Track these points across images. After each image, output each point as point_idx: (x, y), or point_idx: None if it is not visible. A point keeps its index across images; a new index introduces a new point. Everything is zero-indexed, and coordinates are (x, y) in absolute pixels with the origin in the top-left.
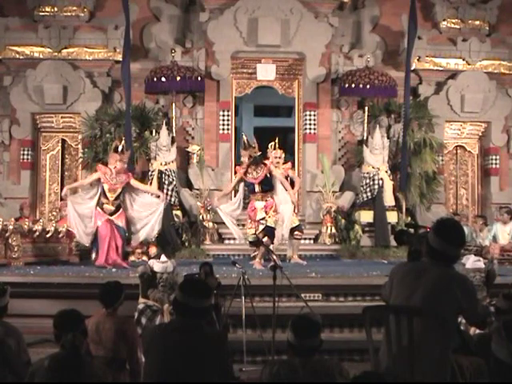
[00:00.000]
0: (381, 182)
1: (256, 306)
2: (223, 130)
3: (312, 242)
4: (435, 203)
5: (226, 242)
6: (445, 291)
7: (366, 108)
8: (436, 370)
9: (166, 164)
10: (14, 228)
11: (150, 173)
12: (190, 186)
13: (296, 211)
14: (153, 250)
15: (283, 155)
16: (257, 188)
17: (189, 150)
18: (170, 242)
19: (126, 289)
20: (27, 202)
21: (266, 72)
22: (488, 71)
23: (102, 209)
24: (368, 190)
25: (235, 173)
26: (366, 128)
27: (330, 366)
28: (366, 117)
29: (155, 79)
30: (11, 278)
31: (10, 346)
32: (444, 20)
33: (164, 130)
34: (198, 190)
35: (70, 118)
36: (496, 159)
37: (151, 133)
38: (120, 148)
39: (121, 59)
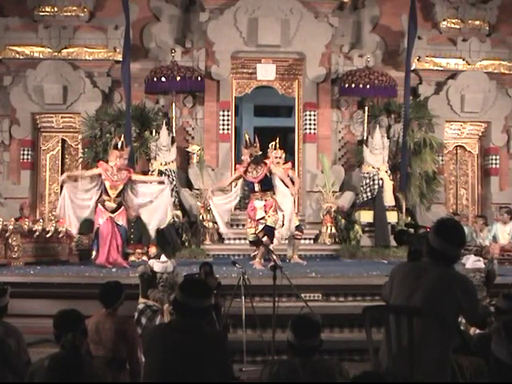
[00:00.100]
0: (381, 182)
1: (256, 305)
2: (223, 130)
3: (312, 242)
4: (435, 203)
5: (226, 242)
6: (445, 291)
7: (366, 108)
8: (436, 370)
9: (166, 164)
10: (14, 228)
11: (149, 173)
12: (190, 186)
13: (296, 211)
14: (153, 250)
15: (283, 155)
16: (256, 187)
17: (189, 149)
18: (170, 242)
19: (126, 289)
20: (27, 202)
21: (266, 72)
22: (488, 71)
23: (104, 206)
24: (368, 190)
25: (235, 171)
26: (366, 128)
27: (330, 365)
28: (365, 117)
29: (155, 79)
30: (11, 278)
31: (10, 345)
32: (444, 20)
33: (164, 130)
34: (198, 190)
35: (70, 117)
36: (496, 159)
37: (151, 133)
38: (119, 144)
39: (121, 59)
